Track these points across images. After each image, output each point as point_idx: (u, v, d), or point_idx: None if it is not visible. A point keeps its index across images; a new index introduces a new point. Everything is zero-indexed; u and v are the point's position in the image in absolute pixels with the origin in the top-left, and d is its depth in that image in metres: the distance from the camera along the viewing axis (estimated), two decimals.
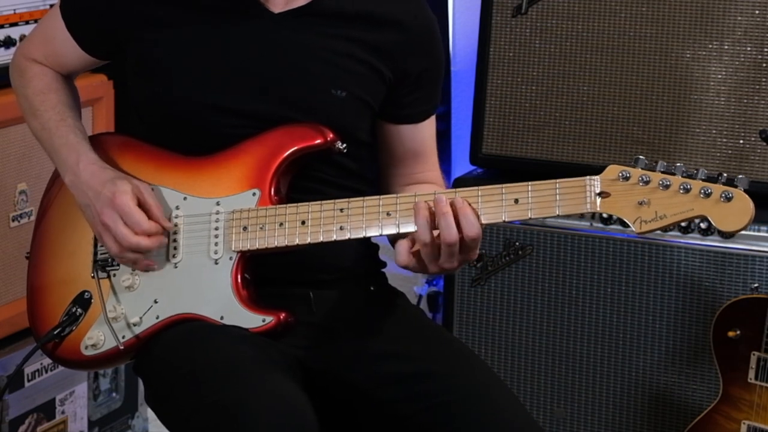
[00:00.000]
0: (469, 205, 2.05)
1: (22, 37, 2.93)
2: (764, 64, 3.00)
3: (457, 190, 2.08)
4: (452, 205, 2.04)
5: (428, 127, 2.40)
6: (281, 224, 2.17)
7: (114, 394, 3.29)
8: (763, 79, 3.00)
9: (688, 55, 3.05)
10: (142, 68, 2.29)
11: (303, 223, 2.15)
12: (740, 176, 1.97)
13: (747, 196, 1.96)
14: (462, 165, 3.29)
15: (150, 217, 2.20)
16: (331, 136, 2.21)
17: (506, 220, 2.05)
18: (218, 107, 2.24)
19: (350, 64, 2.26)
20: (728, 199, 1.96)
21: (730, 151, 3.03)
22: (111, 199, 2.19)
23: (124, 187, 2.20)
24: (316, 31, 2.25)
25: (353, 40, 2.26)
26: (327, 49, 2.25)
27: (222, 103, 2.24)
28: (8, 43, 2.91)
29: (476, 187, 2.06)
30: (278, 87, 2.24)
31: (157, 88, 2.27)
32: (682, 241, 3.04)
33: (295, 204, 2.16)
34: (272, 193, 2.19)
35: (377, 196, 2.12)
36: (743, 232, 2.97)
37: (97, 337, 2.27)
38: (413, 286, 3.94)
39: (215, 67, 2.25)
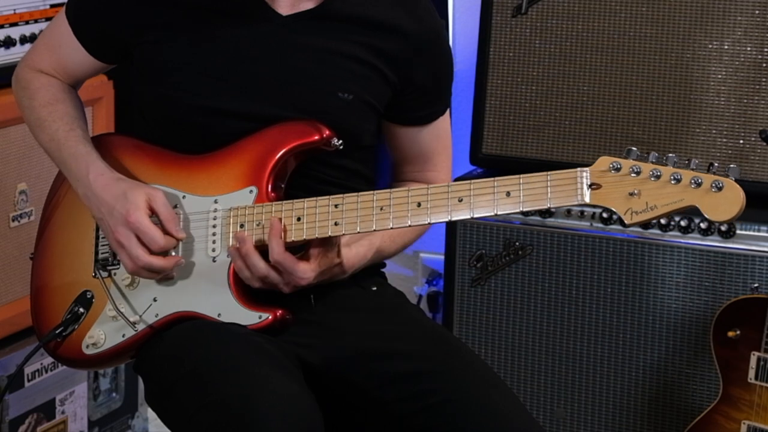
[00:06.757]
0: (281, 224, 2.13)
1: (22, 37, 2.93)
2: (764, 64, 2.99)
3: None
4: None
5: (436, 128, 2.40)
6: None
7: (114, 394, 3.29)
8: (763, 79, 2.99)
9: (688, 55, 3.05)
10: (148, 71, 2.29)
11: (298, 219, 2.15)
12: (731, 166, 1.96)
13: (738, 185, 1.95)
14: (462, 165, 3.28)
15: (164, 229, 2.19)
16: (327, 132, 2.20)
17: (498, 213, 2.05)
18: (224, 110, 2.24)
19: (356, 68, 2.26)
20: (719, 188, 1.94)
21: (730, 151, 3.03)
22: (125, 217, 2.18)
23: (137, 201, 2.19)
24: (323, 35, 2.25)
25: (360, 43, 2.26)
26: (334, 52, 2.25)
27: (228, 105, 2.24)
28: (8, 43, 2.91)
29: (468, 181, 2.07)
30: (285, 89, 2.24)
31: (164, 90, 2.27)
32: (682, 241, 3.03)
33: (291, 201, 2.17)
34: (269, 190, 2.19)
35: (371, 191, 2.13)
36: (743, 232, 2.98)
37: (98, 336, 2.28)
38: (413, 286, 3.94)
39: (222, 70, 2.24)
